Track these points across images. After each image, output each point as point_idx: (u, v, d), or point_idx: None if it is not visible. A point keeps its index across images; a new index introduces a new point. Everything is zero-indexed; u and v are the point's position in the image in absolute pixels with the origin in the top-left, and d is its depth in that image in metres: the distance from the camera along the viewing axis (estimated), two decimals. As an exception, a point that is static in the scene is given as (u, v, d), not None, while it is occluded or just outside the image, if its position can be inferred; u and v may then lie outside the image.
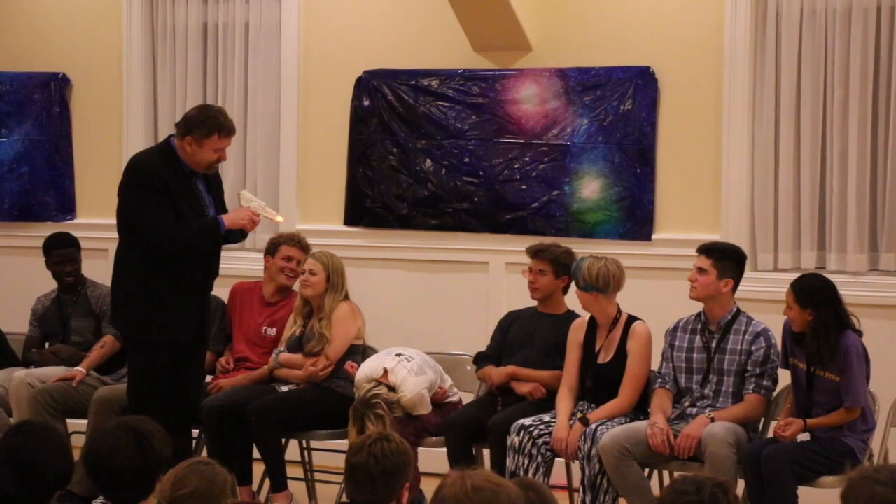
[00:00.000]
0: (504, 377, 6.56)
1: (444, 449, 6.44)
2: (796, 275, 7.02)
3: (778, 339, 6.16)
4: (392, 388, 6.34)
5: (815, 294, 5.89)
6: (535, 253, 6.64)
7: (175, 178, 6.23)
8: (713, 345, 6.20)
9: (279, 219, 6.72)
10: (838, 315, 5.88)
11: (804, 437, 5.94)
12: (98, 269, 7.53)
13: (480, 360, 6.73)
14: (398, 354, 6.50)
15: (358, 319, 6.86)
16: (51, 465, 3.71)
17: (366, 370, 6.46)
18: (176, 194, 6.19)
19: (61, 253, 7.35)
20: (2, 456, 3.72)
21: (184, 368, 6.34)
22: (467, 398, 6.86)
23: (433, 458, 6.54)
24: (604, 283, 6.34)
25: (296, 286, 7.09)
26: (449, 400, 6.69)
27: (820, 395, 5.92)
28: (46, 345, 7.41)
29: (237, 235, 6.43)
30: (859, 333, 5.94)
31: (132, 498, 3.68)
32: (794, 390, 6.03)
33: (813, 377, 5.92)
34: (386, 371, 6.38)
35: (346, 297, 6.83)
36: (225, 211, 6.46)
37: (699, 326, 6.27)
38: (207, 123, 6.23)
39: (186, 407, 6.36)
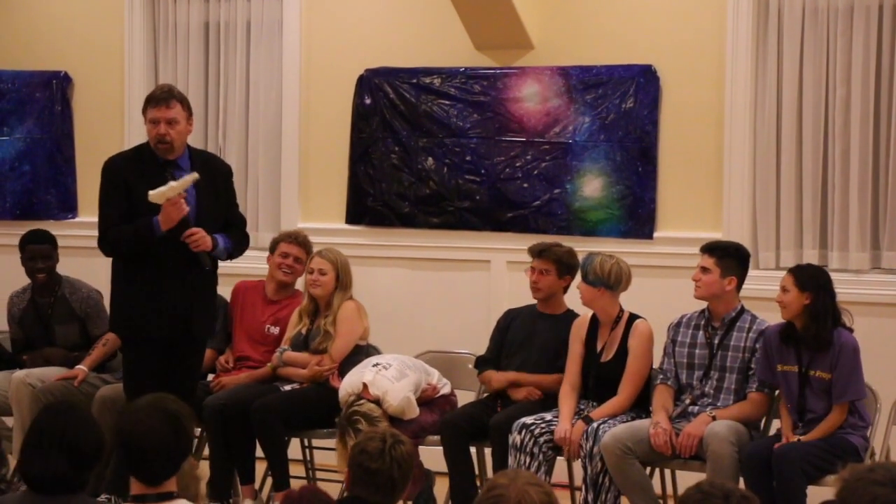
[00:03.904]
0: (504, 383, 6.56)
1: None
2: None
3: None
4: (376, 401, 6.33)
5: (814, 277, 5.94)
6: (538, 253, 6.64)
7: (143, 172, 6.14)
8: (716, 341, 6.20)
9: (195, 175, 6.13)
10: (834, 302, 5.91)
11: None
12: (99, 267, 7.51)
13: (481, 363, 6.73)
14: (375, 365, 6.48)
15: (364, 320, 6.86)
16: (91, 441, 3.80)
17: (346, 386, 6.45)
18: (138, 188, 6.07)
19: (33, 248, 7.23)
20: (45, 439, 3.78)
21: (176, 366, 6.25)
22: (468, 397, 6.86)
23: (432, 457, 6.55)
24: (615, 280, 6.35)
25: (299, 284, 7.10)
26: (441, 394, 6.68)
27: (813, 398, 5.91)
28: (30, 344, 7.37)
29: (205, 258, 6.19)
30: (850, 330, 5.95)
31: (163, 475, 3.75)
32: (786, 398, 6.00)
33: (806, 378, 5.92)
34: (365, 385, 6.38)
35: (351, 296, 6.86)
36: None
37: (703, 322, 6.27)
38: (146, 100, 6.27)
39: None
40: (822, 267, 6.29)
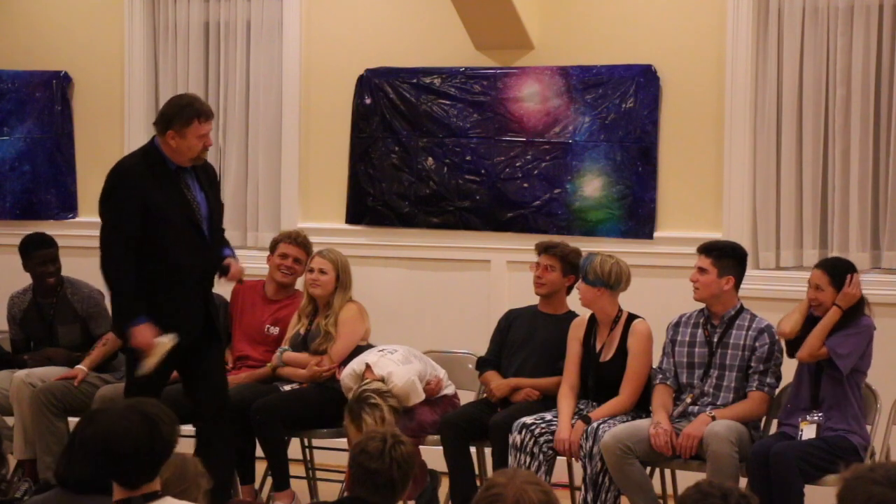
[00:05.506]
0: (507, 391, 6.55)
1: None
2: (798, 273, 7.06)
3: None
4: (381, 381, 6.33)
5: (847, 273, 6.01)
6: (544, 248, 6.65)
7: (157, 179, 6.09)
8: (715, 339, 6.21)
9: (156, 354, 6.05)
10: (862, 295, 6.03)
11: (812, 432, 5.95)
12: (98, 267, 7.50)
13: (482, 364, 6.72)
14: (380, 350, 6.50)
15: (366, 321, 6.86)
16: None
17: (349, 370, 6.45)
18: (156, 196, 6.04)
19: (43, 253, 7.23)
20: (85, 445, 3.79)
21: (194, 367, 6.17)
22: (469, 397, 6.86)
23: (432, 457, 6.55)
24: (615, 280, 6.35)
25: (299, 284, 7.10)
26: (444, 393, 6.67)
27: (826, 386, 5.96)
28: (31, 344, 7.37)
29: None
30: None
31: (140, 480, 3.71)
32: (795, 383, 6.08)
33: (822, 368, 5.97)
34: (369, 366, 6.37)
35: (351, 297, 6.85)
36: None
37: (702, 320, 6.28)
38: (185, 112, 6.08)
39: (210, 402, 6.17)
40: (846, 259, 6.39)
